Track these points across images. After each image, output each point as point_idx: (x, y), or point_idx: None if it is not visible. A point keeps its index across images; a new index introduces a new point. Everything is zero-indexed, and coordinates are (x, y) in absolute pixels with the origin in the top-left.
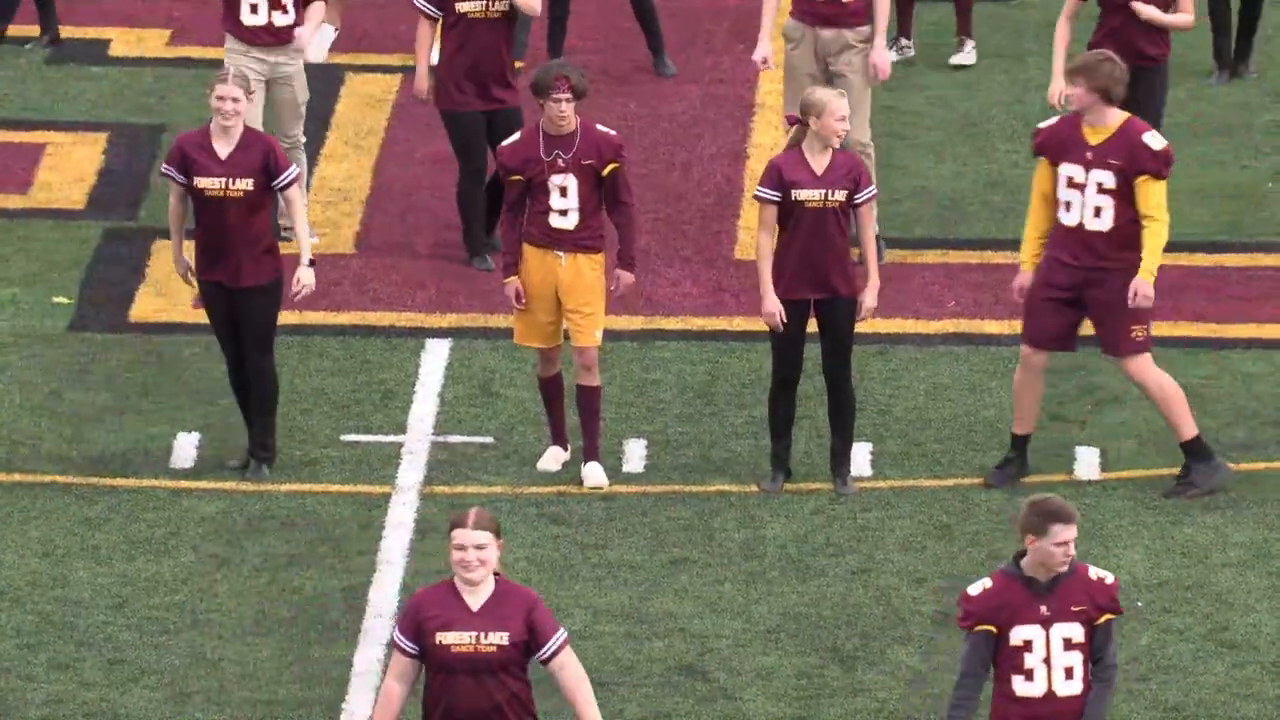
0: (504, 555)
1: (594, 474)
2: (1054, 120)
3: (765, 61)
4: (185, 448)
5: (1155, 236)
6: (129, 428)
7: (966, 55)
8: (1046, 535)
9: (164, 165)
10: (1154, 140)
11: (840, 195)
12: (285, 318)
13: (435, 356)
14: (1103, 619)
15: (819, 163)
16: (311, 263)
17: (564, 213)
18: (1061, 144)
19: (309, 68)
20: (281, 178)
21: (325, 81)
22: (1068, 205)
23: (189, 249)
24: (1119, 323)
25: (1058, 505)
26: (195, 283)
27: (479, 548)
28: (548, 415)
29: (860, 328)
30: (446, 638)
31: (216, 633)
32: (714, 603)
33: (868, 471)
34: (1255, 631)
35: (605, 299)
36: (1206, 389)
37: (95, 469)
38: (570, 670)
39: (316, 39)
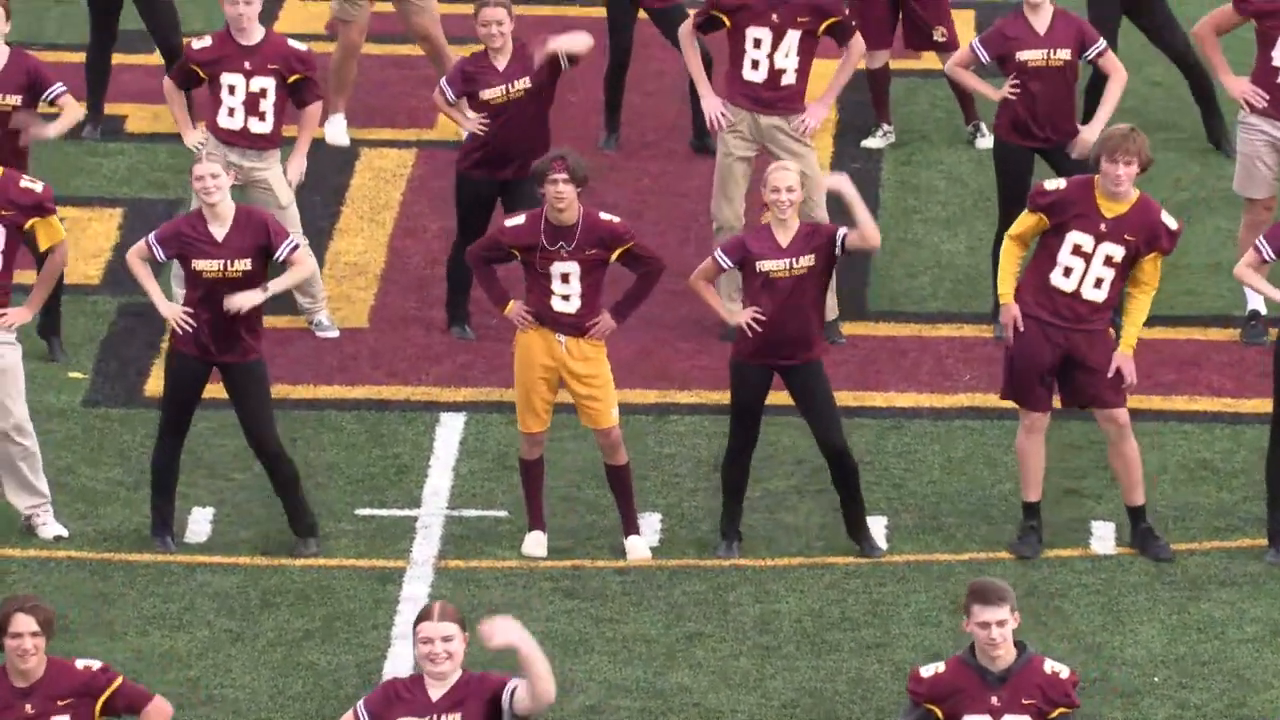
0: (468, 648)
1: (637, 548)
2: (1062, 183)
3: (723, 115)
4: (199, 522)
5: (1143, 310)
6: (143, 503)
7: (880, 139)
8: (970, 616)
9: (154, 237)
10: (1170, 220)
11: (808, 260)
12: (300, 392)
13: (450, 430)
14: (1056, 713)
15: (784, 236)
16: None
17: (566, 297)
18: (1072, 209)
19: (328, 147)
20: (280, 250)
21: (340, 156)
22: (1067, 270)
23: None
24: (1115, 376)
25: (981, 586)
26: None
27: (446, 639)
28: (526, 499)
29: (874, 400)
30: None
31: (231, 708)
32: (729, 677)
33: (883, 545)
34: (1272, 708)
35: (611, 378)
36: (1223, 464)
37: (109, 544)
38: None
39: (330, 128)
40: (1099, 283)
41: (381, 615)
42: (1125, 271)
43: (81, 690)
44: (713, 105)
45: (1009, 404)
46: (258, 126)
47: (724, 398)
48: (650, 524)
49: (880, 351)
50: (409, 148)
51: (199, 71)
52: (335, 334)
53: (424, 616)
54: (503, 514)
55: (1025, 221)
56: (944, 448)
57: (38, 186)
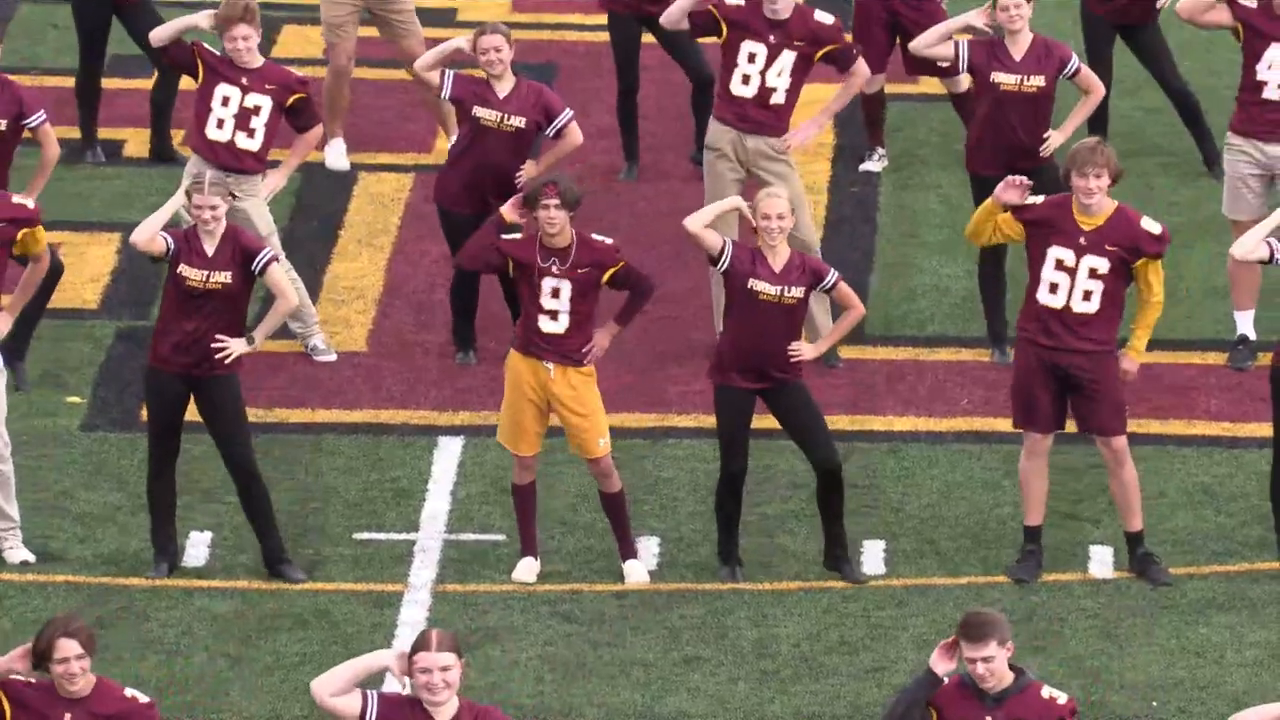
0: (465, 673)
1: (635, 571)
2: (1039, 201)
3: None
4: (197, 546)
5: (1151, 313)
6: (141, 527)
7: (875, 163)
8: (959, 648)
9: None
10: (1152, 225)
11: (797, 291)
12: (297, 416)
13: (448, 454)
14: None
15: (776, 260)
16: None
17: (554, 315)
18: (1049, 224)
19: (325, 171)
20: (257, 262)
21: (337, 181)
22: (1053, 287)
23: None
24: (1115, 401)
25: (966, 621)
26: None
27: (444, 669)
28: (519, 524)
29: (872, 424)
30: None
31: None
32: (727, 701)
33: (881, 569)
34: None
35: (602, 406)
36: (1221, 488)
37: (106, 568)
38: None
39: (330, 153)
40: (1087, 295)
41: (379, 639)
42: (1116, 284)
43: (122, 717)
44: None
45: (1007, 428)
46: (245, 143)
47: None
48: (648, 548)
49: (878, 375)
50: (406, 172)
51: (198, 64)
52: (332, 358)
53: (421, 646)
54: (500, 538)
55: (1003, 216)
56: (942, 471)
57: (29, 203)
